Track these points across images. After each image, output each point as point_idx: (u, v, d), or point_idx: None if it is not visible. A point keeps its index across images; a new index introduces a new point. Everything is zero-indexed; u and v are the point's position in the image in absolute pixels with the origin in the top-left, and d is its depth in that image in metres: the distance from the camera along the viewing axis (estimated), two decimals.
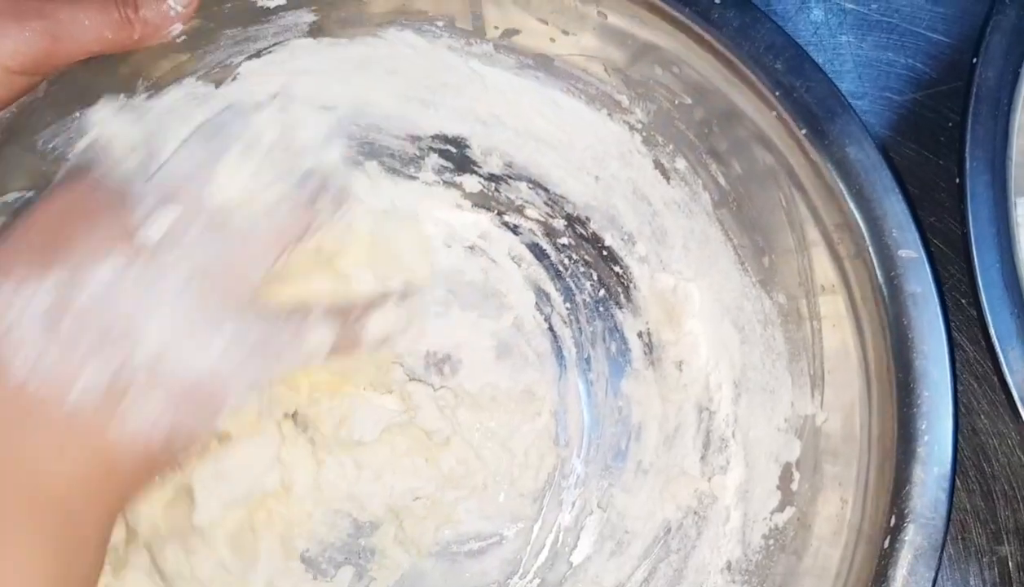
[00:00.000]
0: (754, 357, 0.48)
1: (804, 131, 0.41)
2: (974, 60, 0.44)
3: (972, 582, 0.48)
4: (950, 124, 0.51)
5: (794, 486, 0.44)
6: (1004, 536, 0.49)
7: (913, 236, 0.38)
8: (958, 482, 0.48)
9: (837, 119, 0.40)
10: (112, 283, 0.34)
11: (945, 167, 0.51)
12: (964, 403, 0.49)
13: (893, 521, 0.36)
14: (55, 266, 0.34)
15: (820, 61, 0.49)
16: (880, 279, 0.38)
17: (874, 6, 0.52)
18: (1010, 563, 0.48)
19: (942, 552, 0.35)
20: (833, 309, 0.42)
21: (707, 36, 0.43)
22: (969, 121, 0.43)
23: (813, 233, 0.42)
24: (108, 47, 0.41)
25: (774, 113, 0.42)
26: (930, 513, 0.35)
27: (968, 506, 0.49)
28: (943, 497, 0.36)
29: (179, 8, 0.42)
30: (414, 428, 0.48)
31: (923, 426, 0.37)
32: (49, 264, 0.34)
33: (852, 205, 0.39)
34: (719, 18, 0.42)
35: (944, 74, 0.53)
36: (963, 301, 0.49)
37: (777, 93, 0.41)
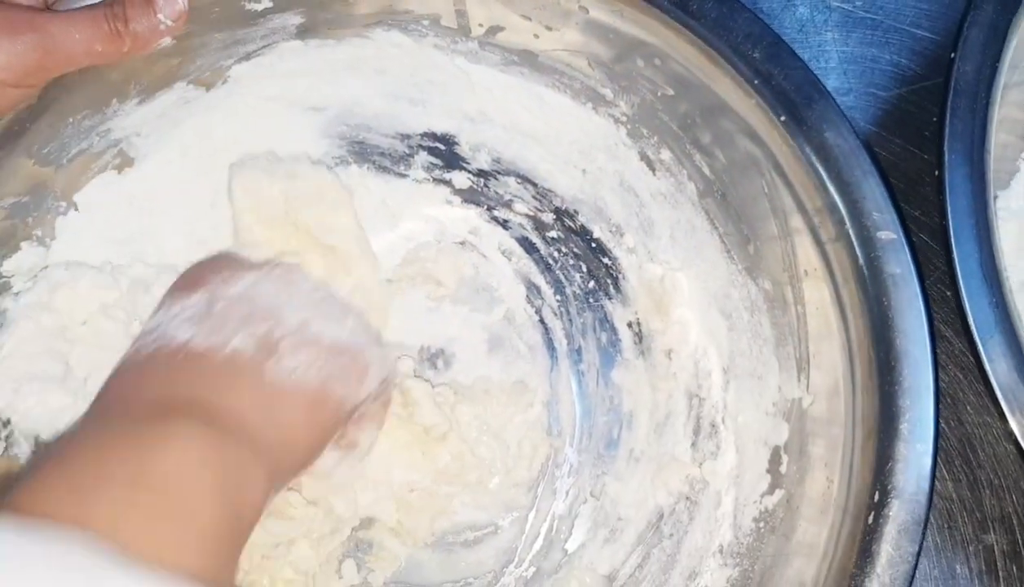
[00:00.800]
0: (742, 343, 0.49)
1: (783, 118, 0.42)
2: (952, 55, 0.45)
3: (959, 570, 0.49)
4: (934, 119, 0.51)
5: (783, 469, 0.45)
6: (990, 525, 0.49)
7: (892, 218, 0.39)
8: (944, 472, 0.49)
9: (815, 105, 0.41)
10: (254, 285, 0.41)
11: (930, 162, 0.52)
12: (950, 394, 0.49)
13: (877, 497, 0.36)
14: (204, 286, 0.41)
15: (806, 58, 0.50)
16: (861, 261, 0.39)
17: (858, 3, 0.53)
18: (996, 550, 0.49)
19: (925, 527, 0.36)
20: (816, 293, 0.43)
21: (686, 28, 0.43)
22: (948, 115, 0.43)
23: (795, 219, 0.43)
24: (98, 59, 0.42)
25: (754, 101, 0.42)
26: (913, 489, 0.36)
27: (955, 496, 0.49)
28: (925, 473, 0.36)
29: (168, 22, 0.43)
30: (412, 423, 0.49)
31: (905, 403, 0.37)
32: (198, 286, 0.41)
33: (832, 189, 0.40)
34: (697, 10, 0.43)
35: (928, 70, 0.53)
36: (948, 293, 0.50)
37: (756, 81, 0.42)
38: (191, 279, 0.42)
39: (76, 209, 0.50)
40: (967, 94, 0.44)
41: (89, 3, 0.43)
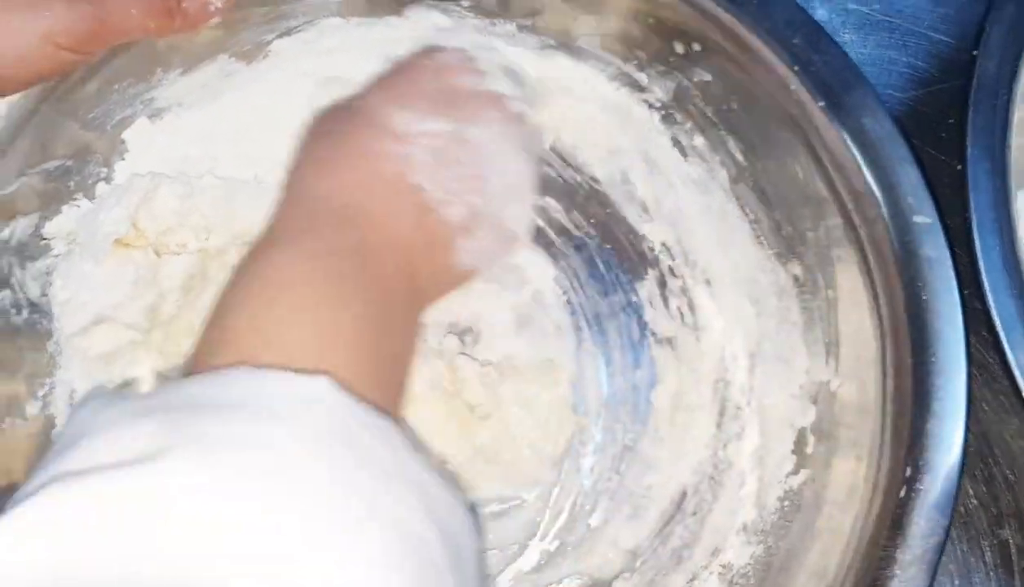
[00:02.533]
0: (769, 328, 0.49)
1: (821, 103, 0.42)
2: (974, 53, 0.46)
3: (974, 563, 0.50)
4: (950, 121, 0.53)
5: (808, 450, 0.46)
6: (1005, 520, 0.50)
7: (927, 203, 0.40)
8: None
9: (853, 91, 0.42)
10: (483, 140, 0.42)
11: (946, 162, 0.52)
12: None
13: (908, 472, 0.37)
14: (445, 118, 0.41)
15: None
16: (896, 244, 0.40)
17: (876, 6, 0.54)
18: (1011, 545, 0.50)
19: (956, 502, 0.36)
20: (848, 278, 0.44)
21: (727, 14, 0.44)
22: (970, 112, 0.44)
23: (829, 205, 0.44)
24: (150, 34, 0.44)
25: (792, 87, 0.43)
26: (946, 465, 0.37)
27: (971, 491, 0.50)
28: (957, 450, 0.37)
29: (219, 3, 0.44)
30: (456, 399, 0.49)
31: (939, 382, 0.38)
32: (441, 114, 0.41)
33: (868, 174, 0.41)
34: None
35: (945, 73, 0.54)
36: (965, 292, 0.51)
37: (796, 67, 0.43)
38: (438, 94, 0.43)
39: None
40: (989, 90, 0.45)
41: None
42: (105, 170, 0.51)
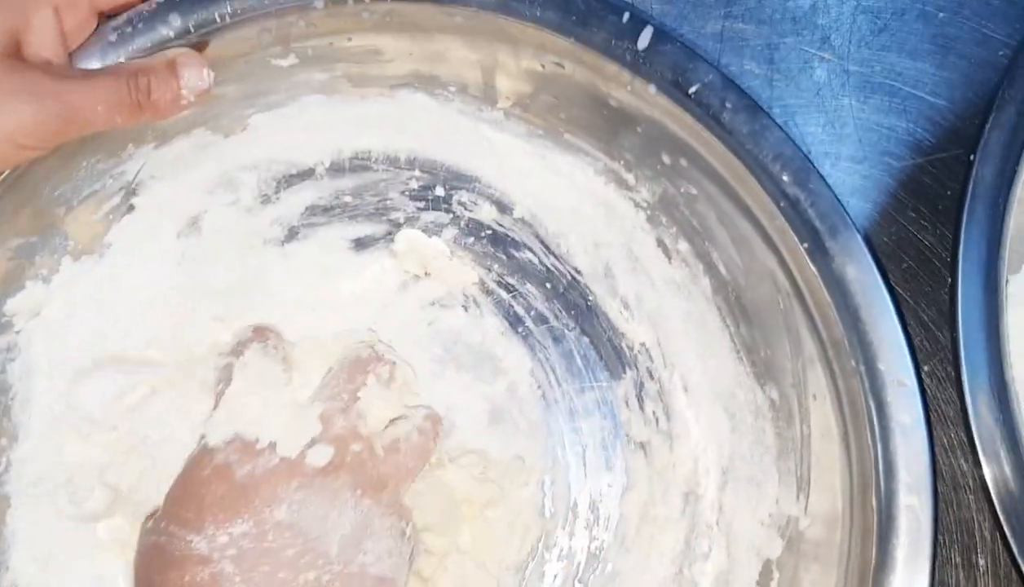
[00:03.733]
0: (743, 447, 0.48)
1: (805, 245, 0.41)
2: (971, 157, 0.44)
3: None
4: (949, 192, 0.51)
5: (773, 585, 0.45)
6: None
7: (906, 364, 0.39)
8: None
9: (839, 235, 0.40)
10: (293, 512, 0.43)
11: (942, 235, 0.51)
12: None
13: None
14: (245, 514, 0.42)
15: (821, 123, 0.49)
16: (871, 403, 0.39)
17: (877, 67, 0.52)
18: None
19: None
20: (823, 419, 0.42)
21: (716, 138, 0.43)
22: (964, 221, 0.43)
23: (809, 343, 0.43)
24: (117, 126, 0.42)
25: (777, 222, 0.42)
26: None
27: None
28: None
29: (192, 98, 0.42)
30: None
31: (901, 556, 0.37)
32: (238, 513, 0.42)
33: (847, 327, 0.39)
34: (730, 122, 0.42)
35: (945, 141, 0.52)
36: (951, 371, 0.49)
37: (782, 203, 0.41)
38: (227, 496, 0.43)
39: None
40: (985, 200, 0.43)
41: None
42: (72, 242, 0.50)
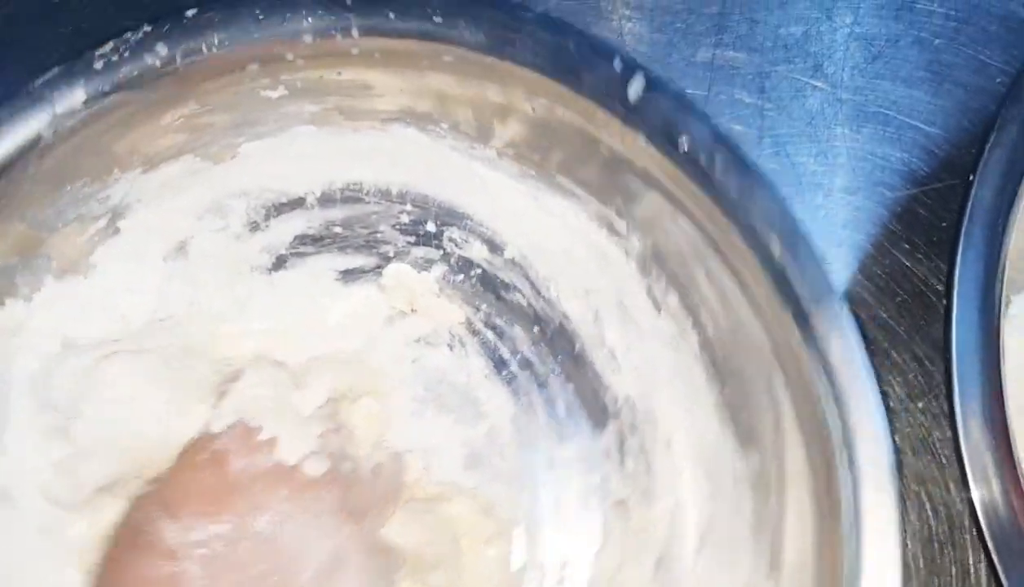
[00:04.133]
0: (721, 513, 0.47)
1: (790, 313, 0.39)
2: (971, 177, 0.42)
3: None
4: (944, 223, 0.49)
5: None
6: None
7: (885, 451, 0.37)
8: None
9: (825, 309, 0.39)
10: (274, 525, 0.41)
11: (937, 268, 0.49)
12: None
13: None
14: (226, 515, 0.41)
15: (814, 153, 0.47)
16: (848, 493, 0.37)
17: (871, 96, 0.50)
18: None
19: None
20: (798, 501, 0.41)
21: (707, 198, 0.41)
22: (961, 245, 0.41)
23: (789, 419, 0.41)
24: None
25: (762, 289, 0.40)
26: None
27: None
28: None
29: None
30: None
31: None
32: (220, 512, 0.41)
33: (827, 407, 0.38)
34: (721, 182, 0.41)
35: (940, 171, 0.50)
36: (945, 407, 0.47)
37: (768, 271, 0.40)
38: (213, 488, 0.42)
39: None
40: (983, 222, 0.42)
41: None
42: (54, 262, 0.49)
